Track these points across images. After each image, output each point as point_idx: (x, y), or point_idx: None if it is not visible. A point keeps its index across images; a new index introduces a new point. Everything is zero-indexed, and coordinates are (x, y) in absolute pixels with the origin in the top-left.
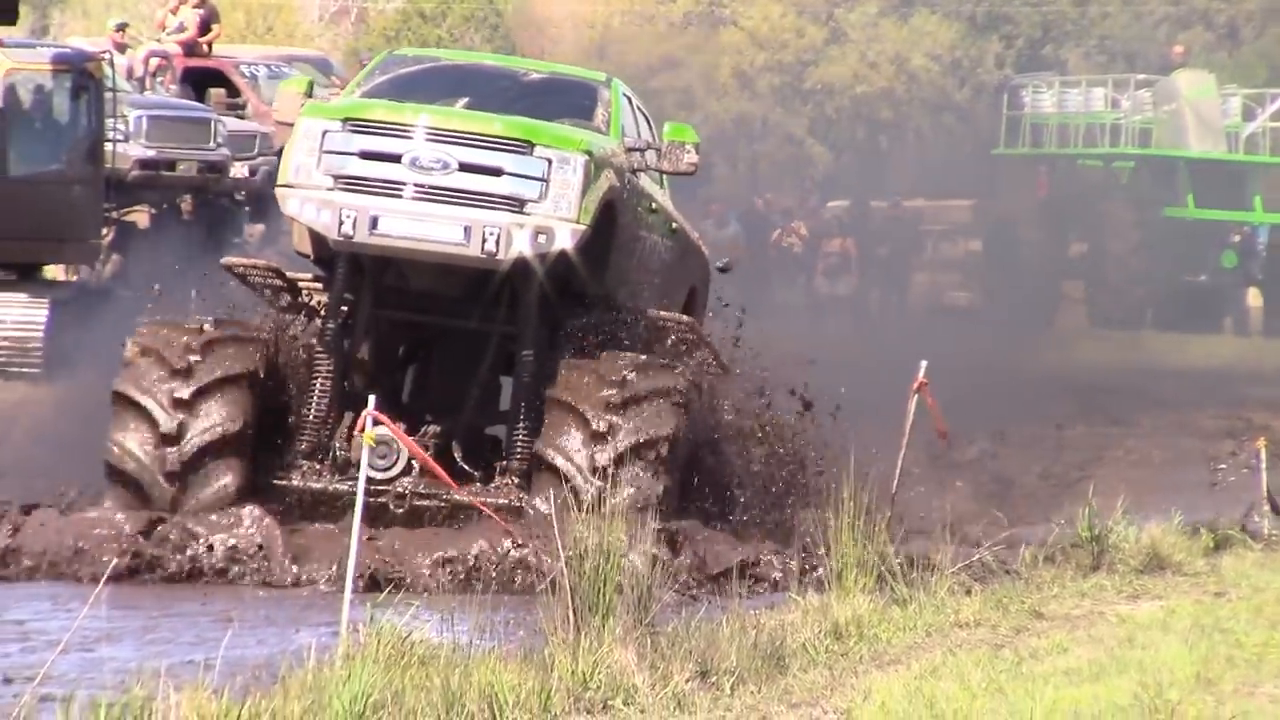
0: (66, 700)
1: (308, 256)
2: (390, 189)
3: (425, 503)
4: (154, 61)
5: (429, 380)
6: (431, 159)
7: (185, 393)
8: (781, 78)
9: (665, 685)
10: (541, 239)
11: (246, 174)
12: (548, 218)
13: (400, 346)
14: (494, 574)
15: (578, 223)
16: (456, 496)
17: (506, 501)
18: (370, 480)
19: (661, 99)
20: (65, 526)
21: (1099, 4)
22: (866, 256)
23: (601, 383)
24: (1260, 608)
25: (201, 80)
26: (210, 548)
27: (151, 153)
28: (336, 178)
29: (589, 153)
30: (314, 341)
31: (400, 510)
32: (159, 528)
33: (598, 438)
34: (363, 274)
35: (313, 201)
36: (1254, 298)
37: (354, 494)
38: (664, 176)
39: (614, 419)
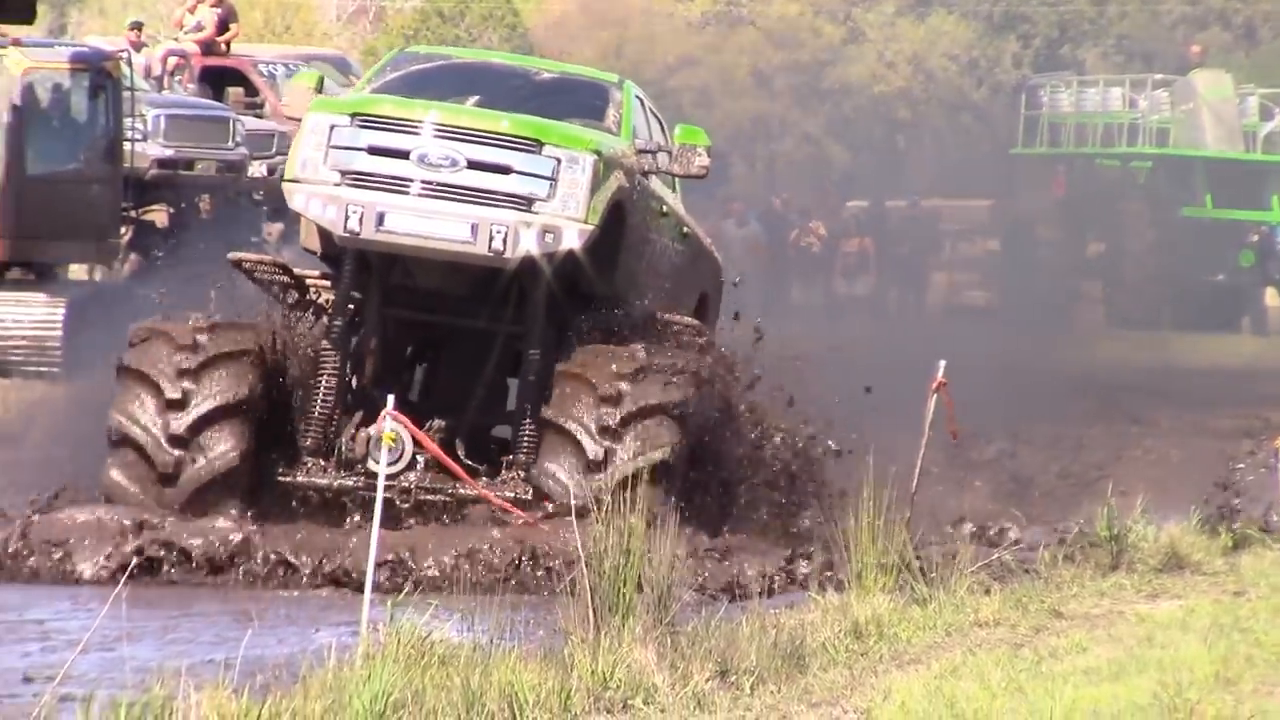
0: (87, 700)
1: (316, 253)
2: (397, 185)
3: (431, 497)
4: (172, 60)
5: (436, 380)
6: (440, 156)
7: (191, 364)
8: (799, 77)
9: (685, 685)
10: (549, 238)
11: (265, 173)
12: (555, 217)
13: (408, 346)
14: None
15: (585, 223)
16: (463, 491)
17: (514, 494)
18: (374, 475)
19: (679, 98)
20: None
21: (1117, 4)
22: (885, 256)
23: (611, 358)
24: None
25: (219, 79)
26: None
27: (170, 152)
28: (344, 173)
29: (598, 152)
30: (320, 338)
31: (406, 505)
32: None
33: (606, 400)
34: (370, 271)
35: (319, 196)
36: (1272, 297)
37: (358, 490)
38: (676, 180)
39: (623, 385)
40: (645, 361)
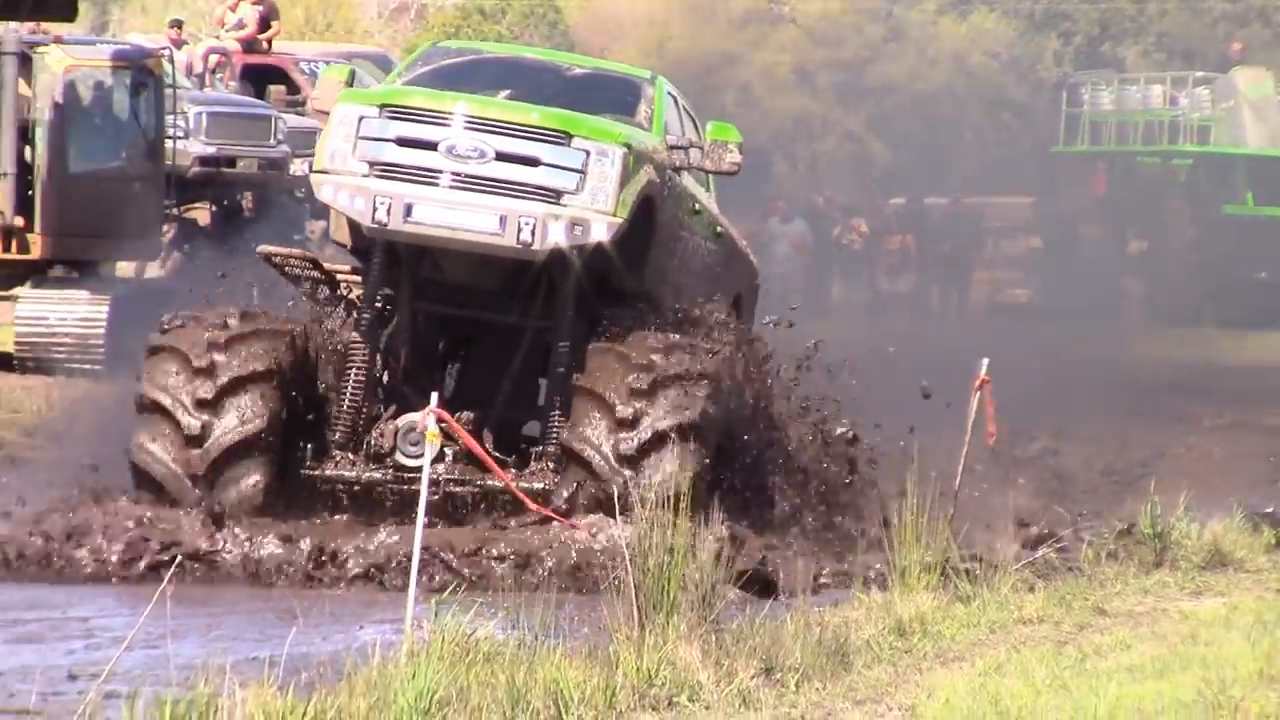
0: (131, 697)
1: (346, 246)
2: (426, 176)
3: (459, 490)
4: (213, 58)
5: (469, 376)
6: (468, 147)
7: (208, 392)
8: (841, 75)
9: (730, 682)
10: (577, 230)
11: (306, 170)
12: (584, 209)
13: (439, 342)
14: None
15: (614, 215)
16: (491, 483)
17: (542, 485)
18: (402, 468)
19: (721, 96)
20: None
21: (1157, 1)
22: (927, 254)
23: (628, 367)
24: None
25: (261, 77)
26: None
27: (211, 150)
28: (372, 164)
29: (628, 145)
30: (350, 331)
31: (435, 497)
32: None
33: (623, 424)
34: (399, 265)
35: (347, 188)
36: None
37: (386, 483)
38: (710, 180)
39: (639, 405)
40: (678, 340)
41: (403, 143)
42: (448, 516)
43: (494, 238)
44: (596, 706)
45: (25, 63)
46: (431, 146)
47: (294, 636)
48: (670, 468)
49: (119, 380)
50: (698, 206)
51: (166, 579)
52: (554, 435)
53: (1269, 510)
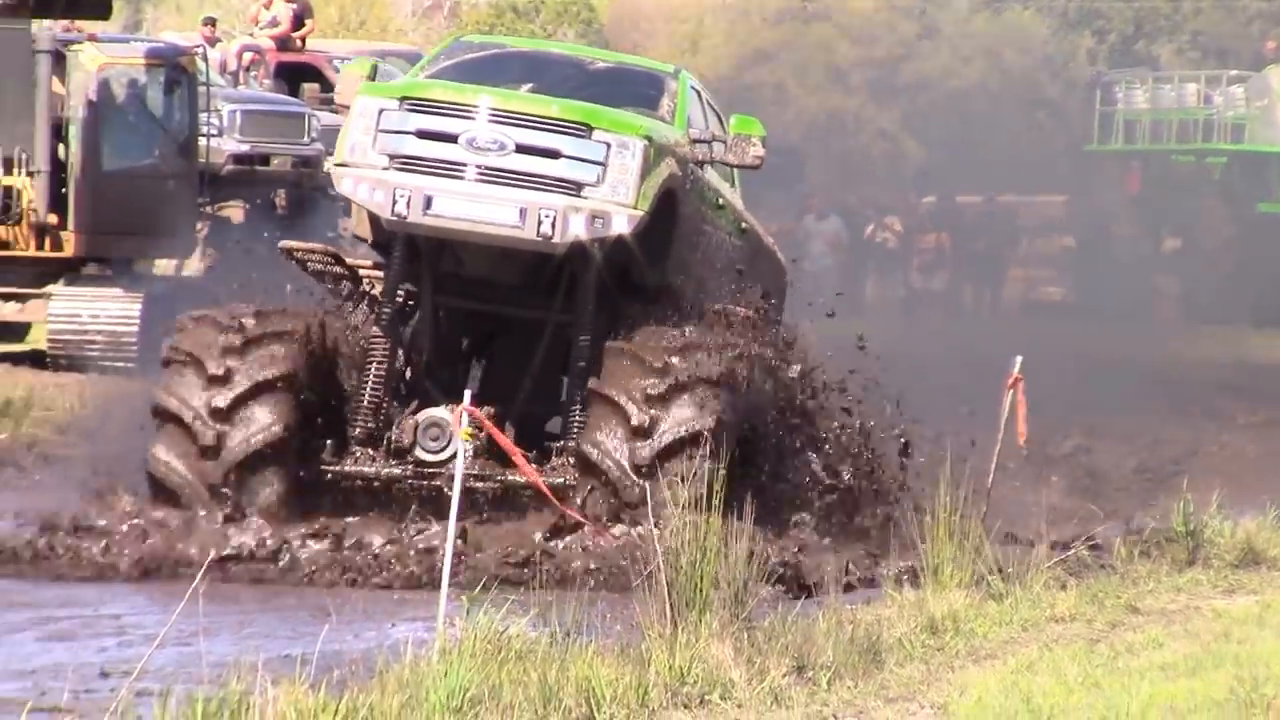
0: (164, 694)
1: (367, 240)
2: (446, 169)
3: (480, 485)
4: (247, 56)
5: (493, 372)
6: (488, 140)
7: (224, 401)
8: (874, 72)
9: (762, 680)
10: (598, 223)
11: None
12: (604, 202)
13: (463, 338)
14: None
15: (635, 208)
16: (512, 478)
17: (563, 480)
18: (423, 464)
19: (754, 94)
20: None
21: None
22: (961, 252)
23: (643, 371)
24: None
25: (295, 75)
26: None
27: (245, 147)
28: (392, 157)
29: (649, 138)
30: (370, 326)
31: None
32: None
33: (638, 433)
34: (420, 259)
35: (367, 181)
36: None
37: (406, 478)
38: (736, 176)
39: (655, 412)
40: (694, 339)
41: (423, 135)
42: (468, 512)
43: (514, 230)
44: (628, 704)
45: (59, 61)
46: (451, 139)
47: (326, 634)
48: (686, 476)
49: (151, 378)
50: (721, 201)
51: (199, 577)
52: (575, 432)
53: None
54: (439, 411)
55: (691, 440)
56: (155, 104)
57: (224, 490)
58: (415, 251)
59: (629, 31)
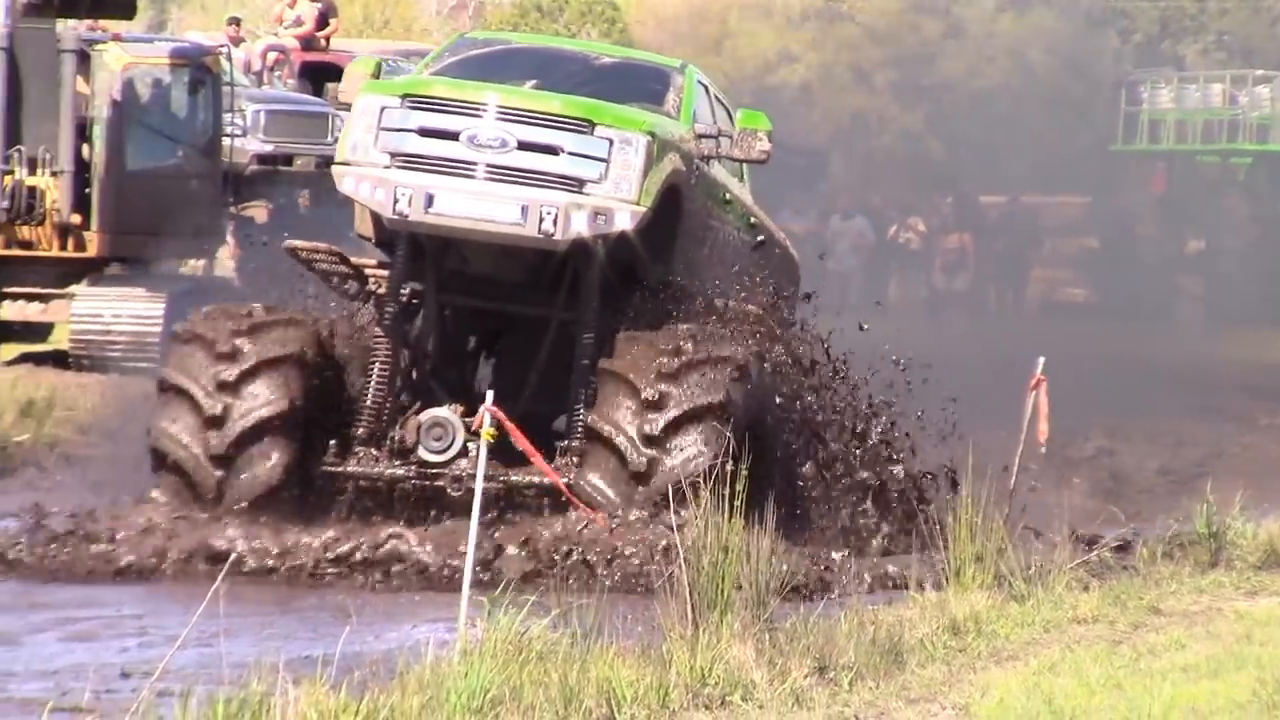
0: (184, 695)
1: (370, 239)
2: (447, 167)
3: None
4: (272, 56)
5: (500, 370)
6: (490, 137)
7: (230, 375)
8: (899, 73)
9: (783, 681)
10: (600, 220)
11: None
12: (607, 198)
13: (470, 336)
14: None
15: (638, 204)
16: (514, 479)
17: (566, 480)
18: (425, 464)
19: (779, 94)
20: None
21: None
22: (984, 252)
23: (655, 352)
24: None
25: (319, 75)
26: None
27: (269, 147)
28: (394, 155)
29: (651, 134)
30: (374, 326)
31: (457, 493)
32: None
33: (649, 406)
34: (424, 257)
35: (369, 179)
36: None
37: (409, 479)
38: (744, 170)
39: (665, 387)
40: (690, 357)
41: (424, 133)
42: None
43: (516, 228)
44: (649, 705)
45: (84, 60)
46: (453, 137)
47: (347, 635)
48: (694, 450)
49: None
50: (728, 196)
51: (220, 578)
52: (579, 430)
53: None
54: (442, 411)
55: (701, 413)
56: (179, 104)
57: (227, 461)
58: (419, 250)
59: (653, 31)
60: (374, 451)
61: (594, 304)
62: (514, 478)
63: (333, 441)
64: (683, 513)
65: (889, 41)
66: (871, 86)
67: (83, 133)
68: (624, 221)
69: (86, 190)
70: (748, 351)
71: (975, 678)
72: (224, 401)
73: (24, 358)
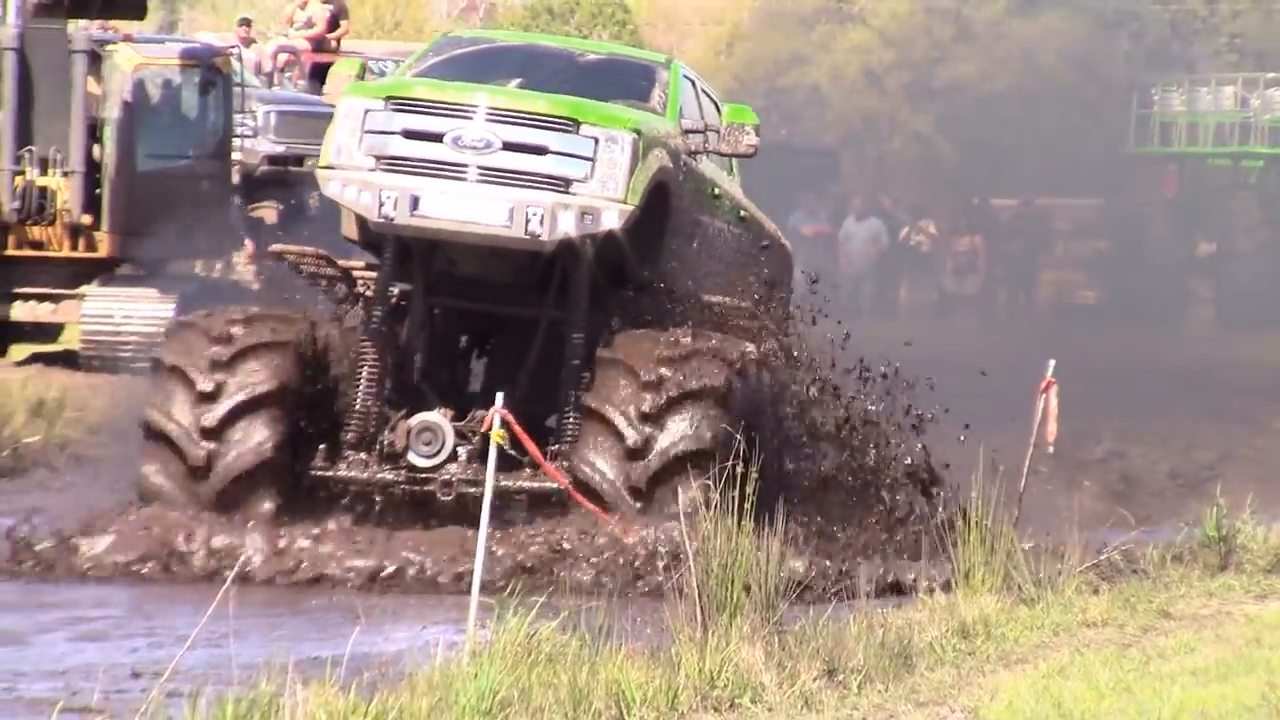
0: (194, 695)
1: (356, 242)
2: (433, 169)
3: (472, 490)
4: (282, 57)
5: (493, 371)
6: (475, 138)
7: (224, 356)
8: (909, 75)
9: (792, 684)
10: (587, 220)
11: None
12: (594, 198)
13: (460, 337)
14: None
15: (625, 203)
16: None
17: (556, 485)
18: (415, 469)
19: (789, 96)
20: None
21: (1229, 2)
22: (995, 255)
23: (655, 344)
24: None
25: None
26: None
27: (280, 148)
28: (378, 158)
29: (637, 131)
30: (361, 330)
31: (447, 498)
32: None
33: (647, 386)
34: (411, 259)
35: (354, 183)
36: None
37: (399, 484)
38: (734, 163)
39: (663, 370)
40: (689, 346)
41: (409, 135)
42: (460, 518)
43: (503, 229)
44: (658, 707)
45: (95, 61)
46: (438, 138)
47: (356, 636)
48: (689, 428)
49: None
50: (717, 190)
51: (230, 579)
52: (568, 436)
53: None
54: (432, 416)
55: (699, 394)
56: (190, 105)
57: (217, 432)
58: (407, 252)
59: (664, 33)
60: (363, 456)
61: (583, 303)
62: (504, 483)
63: (322, 445)
64: (681, 494)
65: (900, 44)
66: (883, 89)
67: (93, 133)
68: (611, 221)
69: (97, 191)
70: (745, 352)
71: (984, 681)
72: (217, 379)
73: (35, 358)
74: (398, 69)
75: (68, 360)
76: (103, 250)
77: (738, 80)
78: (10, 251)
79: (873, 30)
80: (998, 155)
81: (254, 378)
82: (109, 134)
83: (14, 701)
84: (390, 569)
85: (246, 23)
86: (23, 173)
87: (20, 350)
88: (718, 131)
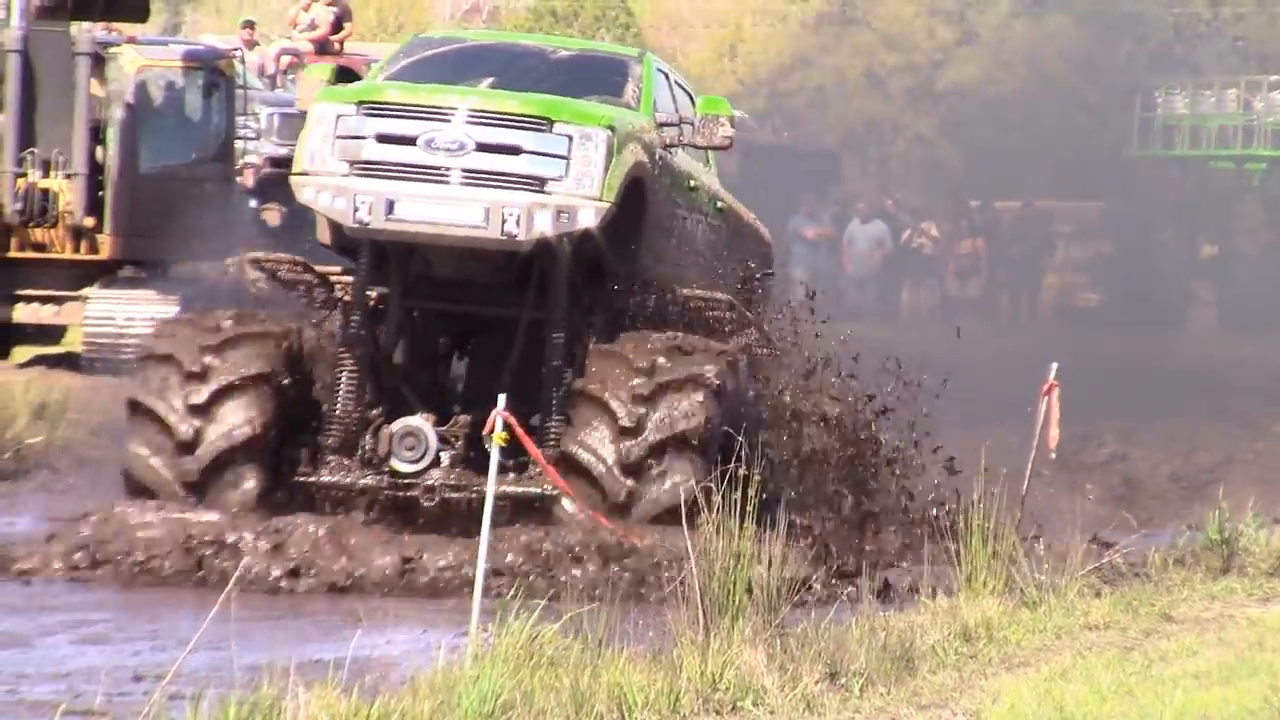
0: (196, 698)
1: (329, 247)
2: (406, 172)
3: (456, 495)
4: (285, 59)
5: (474, 372)
6: (448, 140)
7: (201, 398)
8: (913, 78)
9: (794, 687)
10: (564, 218)
11: None
12: (570, 196)
13: (440, 339)
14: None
15: (601, 200)
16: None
17: (540, 491)
18: (398, 474)
19: (793, 99)
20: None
21: (1232, 5)
22: (997, 257)
23: (630, 371)
24: None
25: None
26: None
27: (283, 150)
28: (352, 163)
29: (611, 127)
30: (340, 334)
31: (430, 504)
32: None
33: (626, 433)
34: (388, 263)
35: (328, 189)
36: None
37: (381, 489)
38: (709, 155)
39: (642, 410)
40: (681, 341)
41: (382, 139)
42: (444, 523)
43: (479, 231)
44: (660, 710)
45: (98, 63)
46: (410, 141)
47: (358, 639)
48: (676, 477)
49: None
50: (694, 183)
51: (232, 582)
52: (552, 434)
53: None
54: (415, 421)
55: (680, 440)
56: (193, 107)
57: (200, 486)
58: (383, 256)
59: (667, 35)
60: (345, 461)
61: (562, 302)
62: (484, 488)
63: (304, 450)
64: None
65: (903, 47)
66: (885, 92)
67: (96, 135)
68: (588, 219)
69: (100, 193)
70: (722, 359)
71: (986, 684)
72: (206, 362)
73: (37, 360)
74: (369, 72)
75: (70, 362)
76: (105, 252)
77: (740, 83)
78: (13, 253)
79: (875, 33)
80: (1001, 158)
81: (242, 362)
82: (112, 136)
83: (17, 704)
84: (390, 570)
85: (250, 25)
86: (25, 175)
87: (23, 352)
88: (692, 124)
